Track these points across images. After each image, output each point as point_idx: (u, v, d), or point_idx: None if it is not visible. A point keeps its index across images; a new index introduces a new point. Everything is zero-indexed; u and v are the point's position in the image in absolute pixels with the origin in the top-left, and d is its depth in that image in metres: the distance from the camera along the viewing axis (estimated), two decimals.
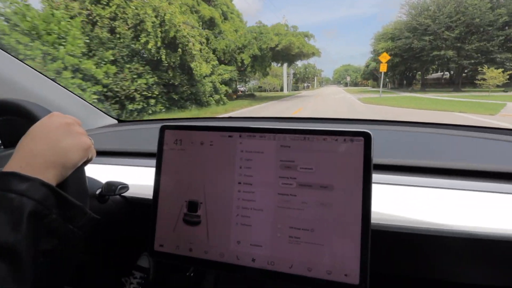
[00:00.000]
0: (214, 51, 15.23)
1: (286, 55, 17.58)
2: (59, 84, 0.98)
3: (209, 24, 15.39)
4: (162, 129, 0.55)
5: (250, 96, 19.90)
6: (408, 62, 22.10)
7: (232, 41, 15.79)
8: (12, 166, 0.38)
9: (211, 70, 13.56)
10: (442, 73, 24.31)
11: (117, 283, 0.76)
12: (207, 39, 14.85)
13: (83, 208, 0.40)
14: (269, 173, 0.47)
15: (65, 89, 1.01)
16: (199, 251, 0.50)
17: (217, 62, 14.51)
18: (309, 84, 54.79)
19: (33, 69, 0.89)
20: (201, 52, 12.38)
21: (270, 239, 0.46)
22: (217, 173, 0.51)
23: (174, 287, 0.75)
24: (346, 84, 62.62)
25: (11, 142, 0.91)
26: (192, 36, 10.89)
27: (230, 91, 15.00)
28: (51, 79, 0.95)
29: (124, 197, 0.64)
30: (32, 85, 0.89)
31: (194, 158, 0.52)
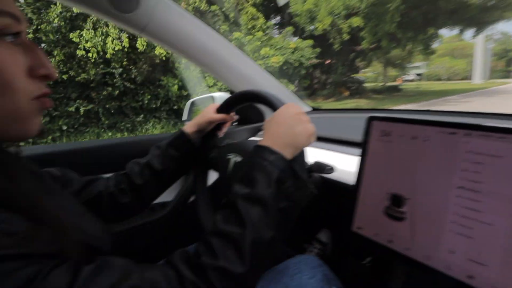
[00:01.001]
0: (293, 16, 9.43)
1: (459, 9, 8.18)
2: (272, 77, 1.20)
3: None
4: (370, 120, 0.56)
5: (385, 92, 11.92)
6: None
7: None
8: (264, 141, 0.51)
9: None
10: None
11: (299, 248, 0.88)
12: None
13: (307, 182, 0.50)
14: (510, 184, 0.39)
15: (276, 81, 1.22)
16: (400, 246, 0.49)
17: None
18: None
19: (251, 61, 1.13)
20: None
21: (500, 262, 0.39)
22: (430, 171, 0.47)
23: (348, 268, 0.79)
24: None
25: (244, 121, 1.23)
26: None
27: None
28: (263, 70, 1.18)
29: (323, 177, 0.72)
30: (255, 77, 1.13)
31: (402, 152, 0.51)
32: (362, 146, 0.57)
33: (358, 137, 0.81)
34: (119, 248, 0.62)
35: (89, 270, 0.34)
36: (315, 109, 1.31)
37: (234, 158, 0.69)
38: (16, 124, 0.38)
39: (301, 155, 0.52)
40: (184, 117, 1.55)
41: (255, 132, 1.22)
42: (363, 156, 0.57)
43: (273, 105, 0.58)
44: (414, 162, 0.49)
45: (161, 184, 0.74)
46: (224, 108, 0.77)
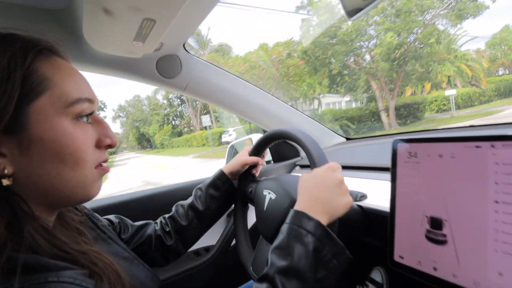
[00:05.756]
0: None
1: None
2: (300, 112, 1.26)
3: None
4: (395, 143, 0.57)
5: None
6: None
7: None
8: (301, 204, 0.52)
9: None
10: None
11: None
12: None
13: (344, 248, 0.49)
14: None
15: (304, 115, 1.27)
16: (445, 272, 0.46)
17: None
18: None
19: (281, 101, 1.20)
20: None
21: None
22: (462, 189, 0.46)
23: None
24: None
25: (279, 157, 1.28)
26: None
27: None
28: (294, 108, 1.25)
29: (361, 206, 0.71)
30: (282, 113, 1.20)
31: (432, 172, 0.50)
32: (391, 170, 0.57)
33: (387, 162, 0.80)
34: None
35: None
36: (348, 139, 1.31)
37: (270, 195, 0.72)
38: (83, 190, 0.43)
39: (335, 222, 0.52)
40: (225, 161, 1.65)
41: (291, 168, 1.26)
42: (393, 180, 0.57)
43: (314, 161, 0.59)
44: (444, 181, 0.48)
45: (203, 224, 0.79)
46: (255, 151, 0.83)
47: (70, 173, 0.41)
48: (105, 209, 0.94)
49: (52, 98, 0.39)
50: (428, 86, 16.63)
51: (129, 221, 0.74)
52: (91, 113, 0.45)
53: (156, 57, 0.89)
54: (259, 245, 0.76)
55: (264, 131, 1.28)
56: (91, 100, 0.44)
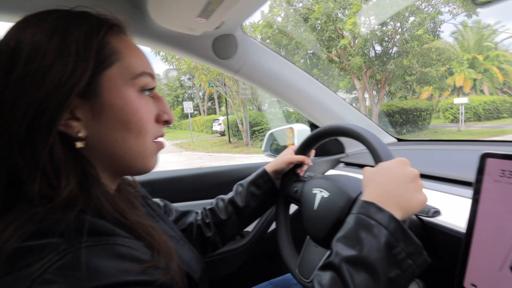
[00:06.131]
0: None
1: None
2: (353, 107, 1.18)
3: None
4: (483, 158, 0.50)
5: None
6: None
7: None
8: (370, 196, 0.47)
9: None
10: None
11: None
12: None
13: (421, 247, 0.44)
14: None
15: (356, 110, 1.19)
16: None
17: None
18: None
19: (336, 95, 1.13)
20: None
21: None
22: None
23: None
24: None
25: (322, 152, 1.23)
26: None
27: None
28: (347, 103, 1.17)
29: (421, 219, 0.65)
30: (335, 107, 1.13)
31: None
32: (475, 187, 0.50)
33: (461, 174, 0.72)
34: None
35: None
36: (400, 140, 1.21)
37: (321, 193, 0.68)
38: (142, 161, 0.46)
39: (409, 220, 0.48)
40: (263, 148, 1.62)
41: (335, 164, 1.20)
42: (476, 199, 0.50)
43: (380, 156, 0.53)
44: None
45: (242, 221, 0.78)
46: (302, 148, 0.78)
47: (133, 141, 0.43)
48: (157, 183, 0.96)
49: (121, 69, 0.42)
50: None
51: (173, 206, 0.75)
52: (152, 88, 0.47)
53: (214, 35, 0.86)
54: (306, 247, 0.73)
55: (311, 124, 1.22)
56: (152, 75, 0.47)
